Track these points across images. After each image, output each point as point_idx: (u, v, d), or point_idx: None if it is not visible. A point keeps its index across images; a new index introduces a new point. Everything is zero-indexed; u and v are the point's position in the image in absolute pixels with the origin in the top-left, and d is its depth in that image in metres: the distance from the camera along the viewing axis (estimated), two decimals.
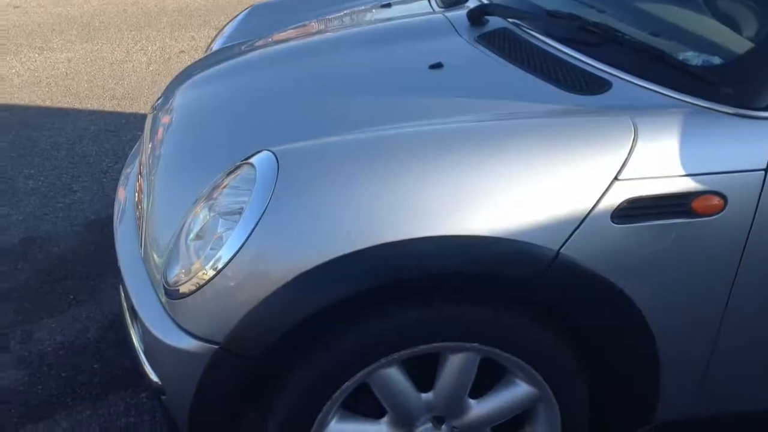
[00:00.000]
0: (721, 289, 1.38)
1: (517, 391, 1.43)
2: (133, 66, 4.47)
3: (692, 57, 1.46)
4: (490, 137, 1.34)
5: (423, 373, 1.39)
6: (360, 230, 1.24)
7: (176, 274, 1.36)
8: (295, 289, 1.24)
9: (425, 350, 1.35)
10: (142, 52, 4.73)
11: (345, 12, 2.26)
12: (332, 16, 2.24)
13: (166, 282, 1.38)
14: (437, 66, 1.67)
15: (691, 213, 1.31)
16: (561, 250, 1.28)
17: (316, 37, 1.99)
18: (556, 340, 1.39)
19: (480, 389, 1.43)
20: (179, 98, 1.83)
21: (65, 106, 3.88)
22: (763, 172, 1.31)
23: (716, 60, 1.45)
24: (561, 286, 1.31)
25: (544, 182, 1.28)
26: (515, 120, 1.39)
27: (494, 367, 1.42)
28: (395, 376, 1.36)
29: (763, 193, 1.31)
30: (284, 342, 1.27)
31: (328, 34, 2.02)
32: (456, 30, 1.83)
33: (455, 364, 1.38)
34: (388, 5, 2.21)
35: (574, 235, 1.28)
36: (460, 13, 1.89)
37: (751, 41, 1.47)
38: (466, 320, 1.34)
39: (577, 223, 1.28)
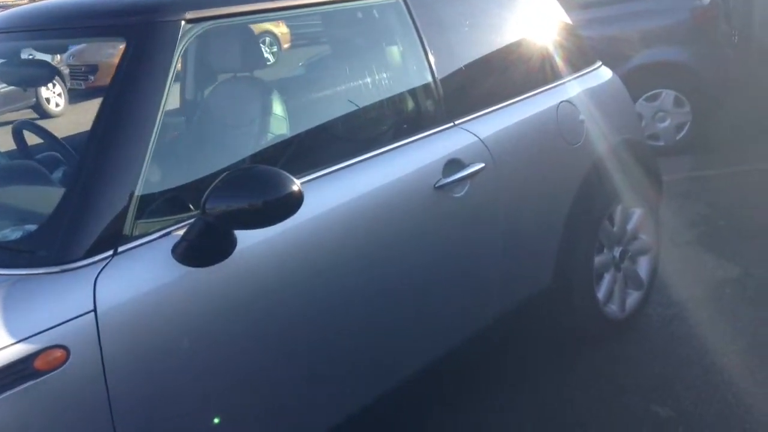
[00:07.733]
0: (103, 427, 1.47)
1: None
2: None
3: (10, 233, 1.57)
4: None
5: None
6: None
7: None
8: None
9: None
10: None
11: None
12: None
13: None
14: None
15: (37, 373, 1.37)
16: None
17: None
18: None
19: None
20: None
21: None
22: (93, 312, 1.46)
23: (33, 228, 1.58)
24: None
25: None
26: None
27: None
28: None
29: (100, 331, 1.46)
30: None
31: None
32: None
33: None
34: None
35: None
36: None
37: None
38: None
39: None
